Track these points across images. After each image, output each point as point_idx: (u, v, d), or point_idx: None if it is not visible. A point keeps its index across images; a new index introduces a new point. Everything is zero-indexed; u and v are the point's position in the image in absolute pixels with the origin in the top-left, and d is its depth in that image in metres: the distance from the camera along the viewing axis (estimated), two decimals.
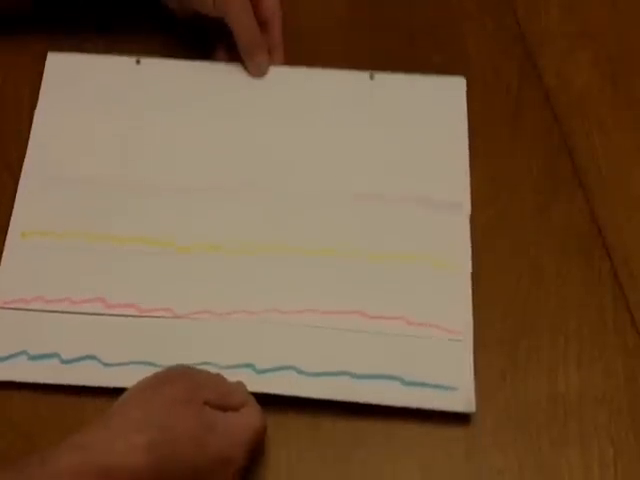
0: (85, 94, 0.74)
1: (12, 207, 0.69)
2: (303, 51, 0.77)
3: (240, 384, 0.60)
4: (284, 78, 0.75)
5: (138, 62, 0.75)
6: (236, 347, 0.64)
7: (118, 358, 0.63)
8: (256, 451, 0.59)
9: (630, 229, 0.70)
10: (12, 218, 0.68)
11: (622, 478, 0.61)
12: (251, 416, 0.58)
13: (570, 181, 0.72)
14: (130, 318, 0.64)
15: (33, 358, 0.62)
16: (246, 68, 0.74)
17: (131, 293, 0.65)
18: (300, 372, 0.63)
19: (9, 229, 0.68)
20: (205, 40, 0.76)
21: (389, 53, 0.78)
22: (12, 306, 0.65)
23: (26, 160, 0.70)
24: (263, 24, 0.74)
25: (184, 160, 0.71)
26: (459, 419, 0.62)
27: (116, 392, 0.57)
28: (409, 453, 0.62)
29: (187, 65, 0.75)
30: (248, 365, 0.63)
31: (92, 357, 0.62)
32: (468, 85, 0.76)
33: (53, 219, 0.68)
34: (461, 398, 0.62)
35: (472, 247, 0.68)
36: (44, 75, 0.74)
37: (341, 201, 0.69)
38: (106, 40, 0.76)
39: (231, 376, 0.60)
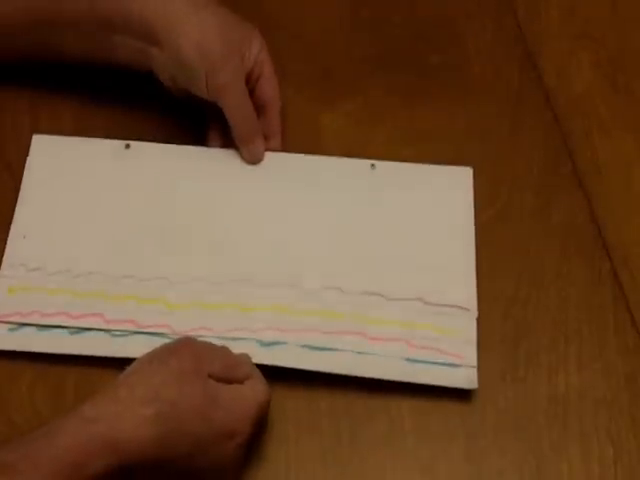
0: (70, 179, 0.70)
1: (11, 208, 0.69)
2: (303, 50, 0.77)
3: (245, 356, 0.61)
4: (282, 164, 0.71)
5: (127, 146, 0.71)
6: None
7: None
8: (261, 423, 0.59)
9: (630, 229, 0.70)
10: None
11: (622, 478, 0.61)
12: (255, 389, 0.58)
13: (570, 181, 0.72)
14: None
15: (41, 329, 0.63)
16: (241, 155, 0.71)
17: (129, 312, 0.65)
18: (304, 346, 0.63)
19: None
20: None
21: (389, 53, 0.78)
22: (9, 319, 0.64)
23: (6, 253, 0.67)
24: (260, 108, 0.70)
25: (172, 249, 0.67)
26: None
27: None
28: (409, 453, 0.62)
29: (178, 149, 0.71)
30: (252, 338, 0.63)
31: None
32: (468, 85, 0.76)
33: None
34: (463, 375, 0.62)
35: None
36: (29, 155, 0.71)
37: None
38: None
39: (235, 348, 0.61)
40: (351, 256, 0.68)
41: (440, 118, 0.75)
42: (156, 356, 0.57)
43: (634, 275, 0.68)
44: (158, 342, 0.59)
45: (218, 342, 0.62)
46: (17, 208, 0.69)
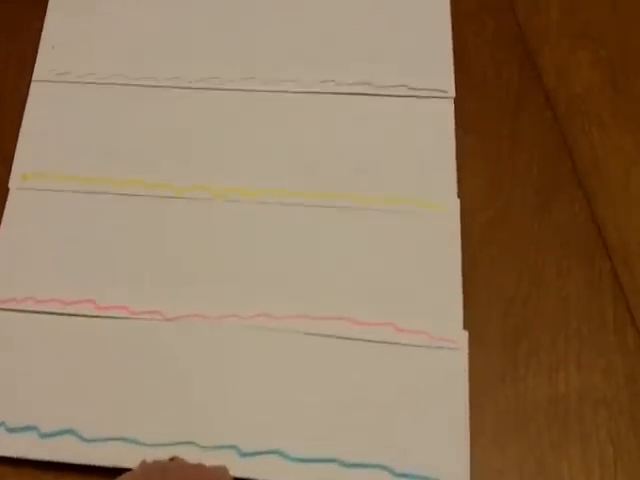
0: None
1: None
2: None
3: (222, 469, 0.56)
4: None
5: None
6: (221, 425, 0.61)
7: (99, 433, 0.60)
8: None
9: (630, 229, 0.70)
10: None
11: (622, 478, 0.60)
12: None
13: (570, 181, 0.72)
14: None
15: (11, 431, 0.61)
16: None
17: (122, 295, 0.65)
18: (286, 457, 0.59)
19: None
20: None
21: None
22: (3, 306, 0.65)
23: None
24: None
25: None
26: None
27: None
28: None
29: None
30: (232, 447, 0.60)
31: (71, 431, 0.60)
32: (468, 86, 0.76)
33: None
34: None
35: (472, 247, 0.68)
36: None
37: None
38: None
39: (214, 459, 0.58)
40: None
41: None
42: None
43: (634, 275, 0.68)
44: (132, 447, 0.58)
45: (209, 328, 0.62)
46: (45, 22, 0.74)
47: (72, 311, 0.64)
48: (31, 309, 0.64)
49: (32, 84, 0.72)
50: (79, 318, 0.63)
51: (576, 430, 0.62)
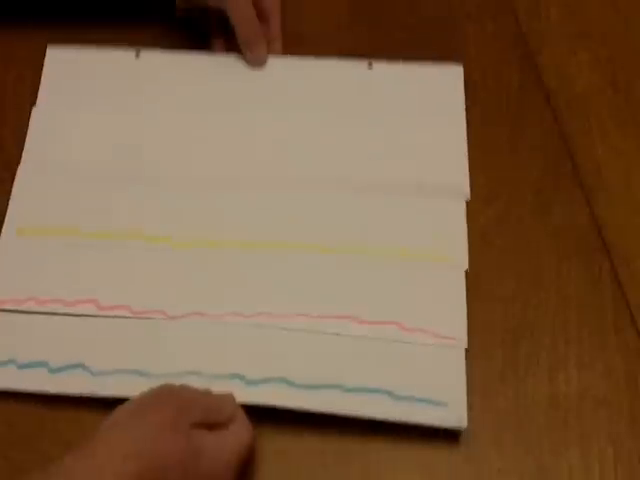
0: (84, 88, 0.74)
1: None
2: (304, 50, 0.77)
3: (229, 396, 0.60)
4: (283, 68, 0.75)
5: (137, 55, 0.75)
6: (226, 355, 0.63)
7: (107, 366, 0.62)
8: (246, 465, 0.58)
9: (630, 229, 0.70)
10: (7, 214, 0.68)
11: (622, 478, 0.61)
12: (239, 433, 0.57)
13: (570, 181, 0.72)
14: (120, 321, 0.64)
15: (21, 367, 0.62)
16: (245, 59, 0.74)
17: (124, 294, 0.65)
18: (290, 384, 0.62)
19: (4, 226, 0.68)
20: (204, 32, 0.77)
21: (389, 54, 0.78)
22: (5, 307, 0.65)
23: (24, 155, 0.70)
24: (262, 15, 0.74)
25: (182, 153, 0.71)
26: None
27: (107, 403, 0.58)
28: (409, 453, 0.61)
29: (186, 57, 0.75)
30: (237, 376, 0.62)
31: (81, 366, 0.62)
32: (468, 86, 0.76)
33: (49, 214, 0.68)
34: (452, 414, 0.61)
35: (472, 247, 0.68)
36: (44, 70, 0.74)
37: (339, 194, 0.69)
38: (106, 30, 0.76)
39: (220, 387, 0.60)
40: (350, 149, 0.71)
41: None
42: (135, 410, 0.55)
43: (634, 275, 0.68)
44: (139, 380, 0.61)
45: (211, 332, 0.63)
46: (33, 112, 0.72)
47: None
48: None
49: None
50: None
51: (576, 430, 0.62)
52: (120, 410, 0.56)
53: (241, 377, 0.62)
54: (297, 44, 0.77)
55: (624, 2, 0.81)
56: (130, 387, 0.59)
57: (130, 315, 0.64)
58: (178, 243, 0.67)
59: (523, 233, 0.70)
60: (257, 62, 0.74)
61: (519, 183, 0.72)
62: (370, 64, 0.76)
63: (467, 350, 0.64)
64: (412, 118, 0.73)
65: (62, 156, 0.70)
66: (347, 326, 0.64)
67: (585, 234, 0.70)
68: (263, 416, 0.61)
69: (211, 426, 0.56)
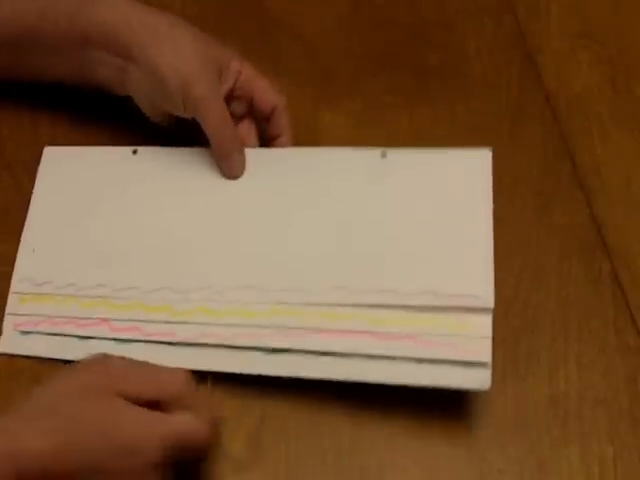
0: (80, 188, 0.71)
1: (10, 208, 0.69)
2: (303, 51, 0.77)
3: (179, 377, 0.57)
4: (291, 159, 0.70)
5: (135, 152, 0.71)
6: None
7: None
8: (192, 454, 0.57)
9: (630, 229, 0.70)
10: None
11: (622, 478, 0.60)
12: (181, 419, 0.56)
13: (570, 181, 0.72)
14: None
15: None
16: (219, 169, 0.69)
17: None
18: (309, 352, 0.62)
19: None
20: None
21: (389, 53, 0.78)
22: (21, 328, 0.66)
23: (17, 263, 0.68)
24: (265, 117, 0.70)
25: (180, 255, 0.67)
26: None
27: None
28: (409, 453, 0.61)
29: (184, 152, 0.71)
30: (257, 347, 0.62)
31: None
32: (468, 85, 0.76)
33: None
34: (476, 374, 0.59)
35: None
36: (39, 167, 0.72)
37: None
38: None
39: (241, 357, 0.62)
40: (358, 253, 0.65)
41: (440, 118, 0.75)
42: (70, 370, 0.56)
43: (634, 275, 0.68)
44: (160, 350, 0.63)
45: (224, 350, 0.63)
46: (27, 222, 0.69)
47: None
48: None
49: (10, 295, 0.67)
50: None
51: (576, 430, 0.62)
52: (60, 371, 0.56)
53: (261, 348, 0.62)
54: (296, 42, 0.77)
55: (624, 2, 0.81)
56: None
57: (141, 337, 0.65)
58: (179, 313, 0.65)
59: (523, 233, 0.70)
60: (232, 174, 0.69)
61: (519, 183, 0.72)
62: (384, 153, 0.68)
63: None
64: (431, 219, 0.65)
65: (54, 261, 0.68)
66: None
67: (585, 234, 0.70)
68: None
69: (149, 404, 0.55)
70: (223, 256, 0.66)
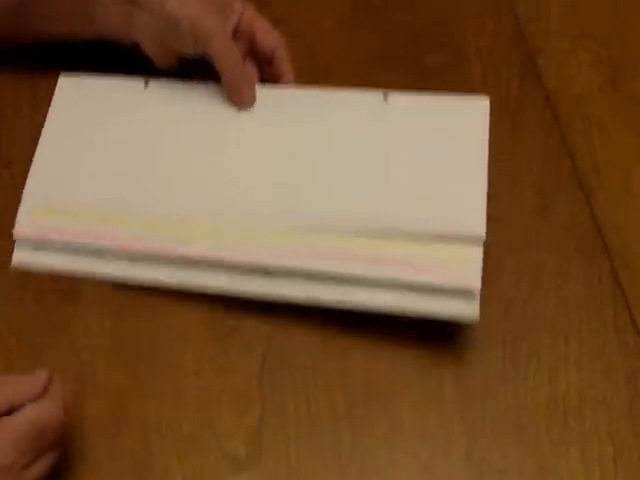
0: (93, 116, 0.73)
1: (11, 205, 0.69)
2: (304, 49, 0.77)
3: (38, 385, 0.57)
4: (295, 99, 0.72)
5: (146, 84, 0.73)
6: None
7: None
8: (54, 440, 0.57)
9: (630, 229, 0.70)
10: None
11: (622, 478, 0.61)
12: (29, 411, 0.55)
13: (570, 181, 0.72)
14: None
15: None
16: (231, 101, 0.72)
17: None
18: (308, 276, 0.65)
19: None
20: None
21: (389, 53, 0.78)
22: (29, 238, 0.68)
23: (27, 181, 0.70)
24: (267, 59, 0.72)
25: (188, 184, 0.69)
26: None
27: None
28: (409, 453, 0.61)
29: (195, 87, 0.73)
30: (258, 268, 0.65)
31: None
32: (468, 85, 0.76)
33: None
34: (465, 306, 0.63)
35: None
36: (54, 96, 0.73)
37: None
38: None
39: (242, 282, 0.65)
40: (359, 185, 0.68)
41: None
42: None
43: (634, 275, 0.68)
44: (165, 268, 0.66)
45: (225, 270, 0.66)
46: (39, 144, 0.71)
47: None
48: None
49: (19, 211, 0.69)
50: None
51: (576, 430, 0.62)
52: None
53: (262, 270, 0.65)
54: (297, 42, 0.77)
55: (624, 2, 0.81)
56: None
57: (149, 252, 0.67)
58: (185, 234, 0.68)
59: (523, 233, 0.70)
60: (244, 105, 0.71)
61: (519, 183, 0.72)
62: (385, 96, 0.71)
63: (467, 347, 0.64)
64: (429, 157, 0.68)
65: (66, 183, 0.70)
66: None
67: (585, 234, 0.70)
68: None
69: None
70: (228, 182, 0.69)
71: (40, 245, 0.68)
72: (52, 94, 0.73)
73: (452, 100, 0.70)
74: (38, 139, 0.72)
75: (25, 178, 0.71)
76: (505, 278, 0.68)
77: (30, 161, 0.71)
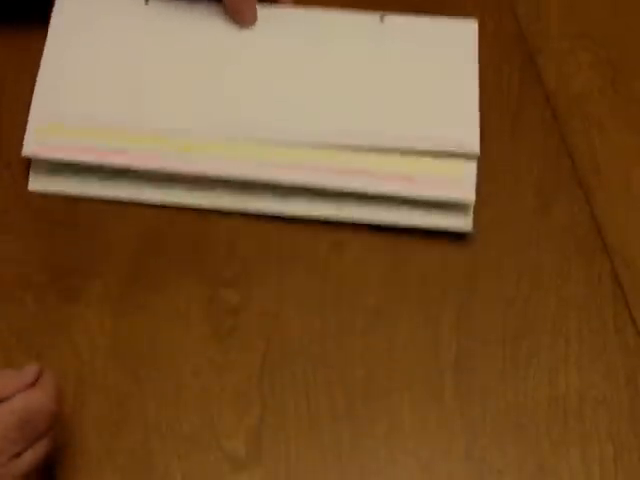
0: (93, 32, 0.74)
1: (11, 205, 0.69)
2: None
3: (28, 377, 0.57)
4: (293, 19, 0.74)
5: (147, 1, 0.74)
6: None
7: None
8: (46, 430, 0.57)
9: (630, 229, 0.70)
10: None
11: (622, 478, 0.61)
12: (18, 401, 0.55)
13: (570, 181, 0.72)
14: None
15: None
16: (233, 20, 0.73)
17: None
18: (309, 190, 0.68)
19: None
20: None
21: None
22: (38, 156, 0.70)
23: (33, 101, 0.71)
24: None
25: (189, 99, 0.71)
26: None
27: None
28: (409, 453, 0.61)
29: (196, 4, 0.74)
30: (267, 184, 0.69)
31: None
32: None
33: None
34: (460, 215, 0.68)
35: (472, 247, 0.69)
36: (53, 9, 0.74)
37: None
38: None
39: (250, 201, 0.69)
40: (357, 102, 0.71)
41: None
42: None
43: (634, 275, 0.68)
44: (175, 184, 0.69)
45: (232, 185, 0.69)
46: (42, 62, 0.72)
47: None
48: None
49: (27, 131, 0.71)
50: None
51: (576, 430, 0.62)
52: None
53: (268, 187, 0.69)
54: None
55: (624, 2, 0.81)
56: None
57: (158, 167, 0.69)
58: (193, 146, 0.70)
59: (523, 233, 0.70)
60: (245, 24, 0.73)
61: (519, 183, 0.72)
62: (382, 17, 0.74)
63: (465, 349, 0.64)
64: (423, 74, 0.72)
65: (69, 101, 0.72)
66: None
67: (585, 234, 0.70)
68: None
69: None
70: (228, 98, 0.71)
71: (53, 168, 0.70)
72: None
73: (445, 22, 0.75)
74: None
75: (25, 178, 0.71)
76: (505, 278, 0.68)
77: (30, 162, 0.71)
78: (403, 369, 0.64)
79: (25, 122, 0.72)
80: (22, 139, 0.71)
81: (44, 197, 0.71)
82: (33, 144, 0.70)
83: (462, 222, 0.68)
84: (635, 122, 0.75)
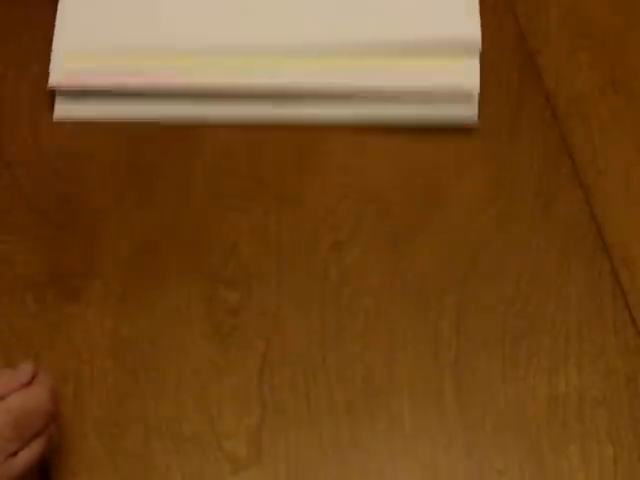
0: None
1: (11, 205, 0.69)
2: None
3: (24, 377, 0.58)
4: None
5: None
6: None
7: None
8: (44, 426, 0.57)
9: (630, 229, 0.70)
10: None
11: (622, 478, 0.61)
12: (14, 399, 0.56)
13: (570, 181, 0.72)
14: None
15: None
16: None
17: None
18: (314, 95, 0.71)
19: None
20: None
21: None
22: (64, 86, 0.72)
23: (55, 32, 0.74)
24: None
25: (200, 17, 0.74)
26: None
27: None
28: (410, 453, 0.62)
29: None
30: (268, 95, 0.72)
31: None
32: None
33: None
34: (465, 105, 0.71)
35: (471, 247, 0.69)
36: None
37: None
38: None
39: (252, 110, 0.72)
40: (356, 5, 0.74)
41: None
42: None
43: (634, 275, 0.68)
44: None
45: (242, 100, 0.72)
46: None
47: None
48: None
49: (52, 60, 0.73)
50: None
51: (576, 430, 0.62)
52: None
53: (270, 97, 0.72)
54: None
55: (624, 2, 0.81)
56: None
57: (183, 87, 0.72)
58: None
59: (523, 233, 0.70)
60: None
61: (519, 183, 0.72)
62: None
63: (465, 349, 0.64)
64: None
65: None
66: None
67: (585, 234, 0.70)
68: None
69: None
70: (237, 17, 0.74)
71: (77, 95, 0.72)
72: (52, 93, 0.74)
73: None
74: (39, 141, 0.72)
75: (25, 179, 0.71)
76: (505, 278, 0.68)
77: (30, 162, 0.71)
78: (403, 369, 0.64)
79: (25, 121, 0.72)
80: (22, 139, 0.71)
81: (44, 197, 0.71)
82: (59, 74, 0.71)
83: (468, 111, 0.71)
84: (635, 122, 0.75)
